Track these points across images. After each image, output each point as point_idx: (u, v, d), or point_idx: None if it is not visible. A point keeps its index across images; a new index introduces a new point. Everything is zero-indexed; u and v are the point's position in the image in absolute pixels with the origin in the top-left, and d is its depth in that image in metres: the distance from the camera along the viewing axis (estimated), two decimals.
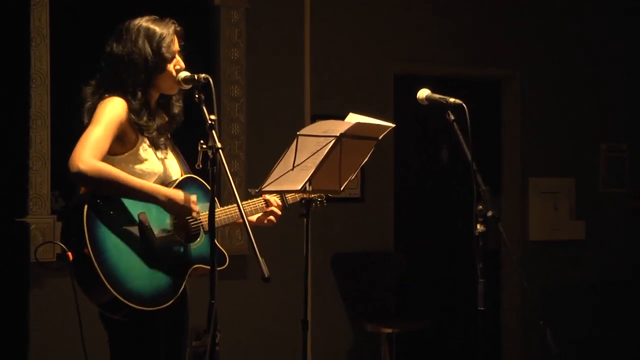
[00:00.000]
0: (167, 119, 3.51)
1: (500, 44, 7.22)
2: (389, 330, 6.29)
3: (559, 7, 7.45)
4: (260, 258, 3.04)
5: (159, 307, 3.28)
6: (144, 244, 3.29)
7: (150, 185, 3.35)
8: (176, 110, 3.55)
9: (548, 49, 7.39)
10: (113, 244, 3.22)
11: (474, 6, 7.11)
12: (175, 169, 3.52)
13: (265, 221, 3.78)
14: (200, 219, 3.47)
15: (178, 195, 3.37)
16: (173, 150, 3.57)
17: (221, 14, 6.10)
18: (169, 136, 3.56)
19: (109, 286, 3.15)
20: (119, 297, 3.17)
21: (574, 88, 7.49)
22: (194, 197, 3.41)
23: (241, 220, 3.18)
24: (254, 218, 3.77)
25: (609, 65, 7.61)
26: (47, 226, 5.43)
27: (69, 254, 3.18)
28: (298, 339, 3.78)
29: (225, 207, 3.60)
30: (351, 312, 6.56)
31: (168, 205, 3.35)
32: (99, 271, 3.14)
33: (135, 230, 3.29)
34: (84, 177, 3.18)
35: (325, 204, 3.95)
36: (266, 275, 3.03)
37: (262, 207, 3.77)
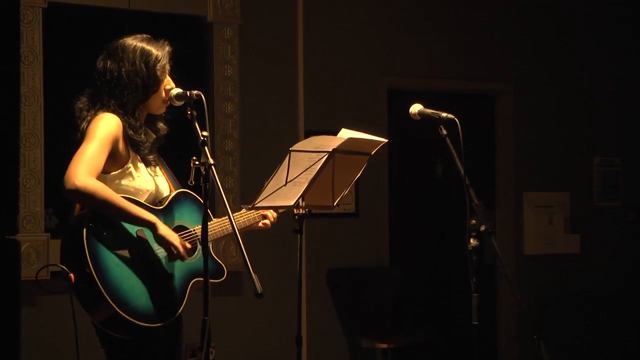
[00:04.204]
0: (154, 136, 3.52)
1: (494, 59, 7.24)
2: (385, 346, 6.28)
3: (552, 22, 7.48)
4: (253, 274, 3.04)
5: (163, 323, 3.29)
6: (144, 261, 3.30)
7: (142, 210, 3.33)
8: (160, 130, 3.56)
9: (541, 63, 7.41)
10: (114, 263, 3.22)
11: (468, 21, 7.13)
12: (164, 185, 3.53)
13: (260, 224, 3.81)
14: (196, 232, 3.47)
15: (166, 229, 3.33)
16: (162, 167, 3.58)
17: (214, 31, 6.10)
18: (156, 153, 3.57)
19: (114, 305, 3.16)
20: (124, 315, 3.18)
21: (567, 102, 7.51)
22: (183, 242, 3.36)
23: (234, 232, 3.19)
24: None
25: (602, 79, 7.63)
26: (41, 244, 5.43)
27: (71, 275, 3.17)
28: (292, 355, 3.76)
29: (219, 219, 3.61)
30: (346, 327, 6.55)
31: (156, 231, 3.31)
32: (103, 291, 3.15)
33: (134, 248, 3.30)
34: (79, 194, 3.19)
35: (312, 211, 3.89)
36: (259, 292, 3.03)
37: (256, 217, 3.78)
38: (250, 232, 4.10)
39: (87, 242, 3.17)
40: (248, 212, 3.76)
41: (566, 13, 7.54)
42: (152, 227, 3.31)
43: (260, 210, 3.77)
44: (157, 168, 3.53)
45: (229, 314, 5.94)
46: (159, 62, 3.45)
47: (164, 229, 3.33)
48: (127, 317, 3.18)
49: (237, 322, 6.07)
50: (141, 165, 3.45)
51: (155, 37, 3.55)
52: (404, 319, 6.89)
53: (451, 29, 7.06)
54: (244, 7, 6.18)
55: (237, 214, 3.71)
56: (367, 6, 6.75)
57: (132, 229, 3.32)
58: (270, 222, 3.85)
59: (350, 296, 6.55)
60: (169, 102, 3.48)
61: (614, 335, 7.22)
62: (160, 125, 3.56)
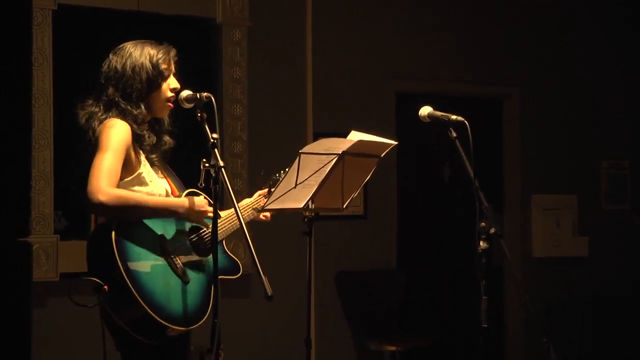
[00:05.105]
0: (154, 138, 3.51)
1: (502, 62, 7.24)
2: (393, 348, 6.28)
3: (560, 26, 7.48)
4: (263, 276, 3.04)
5: (197, 325, 3.32)
6: (172, 265, 3.31)
7: (167, 200, 3.39)
8: (166, 144, 3.56)
9: (549, 66, 7.41)
10: (145, 271, 3.23)
11: (476, 24, 7.13)
12: (167, 187, 3.53)
13: (262, 216, 3.82)
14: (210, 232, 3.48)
15: (192, 201, 3.41)
16: (162, 168, 3.58)
17: (223, 33, 6.11)
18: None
19: (152, 313, 3.16)
20: (162, 321, 3.18)
21: (574, 105, 7.51)
22: (202, 199, 3.45)
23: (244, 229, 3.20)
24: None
25: (610, 82, 7.63)
26: (50, 245, 5.42)
27: (106, 287, 3.16)
28: (301, 358, 3.77)
29: (227, 214, 3.62)
30: (354, 330, 6.55)
31: (187, 214, 3.39)
32: (140, 300, 3.15)
33: (160, 251, 3.30)
34: (106, 208, 3.20)
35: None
36: (269, 294, 3.04)
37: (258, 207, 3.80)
38: (260, 235, 4.11)
39: (117, 250, 3.17)
40: (251, 205, 3.78)
41: (573, 16, 7.54)
42: (183, 214, 3.37)
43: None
44: (159, 171, 3.54)
45: (237, 317, 5.94)
46: (162, 60, 3.46)
47: (192, 210, 3.39)
48: (165, 322, 3.18)
49: (246, 324, 6.07)
50: (152, 170, 3.46)
51: (164, 38, 3.57)
52: (411, 322, 6.89)
53: (459, 32, 7.06)
54: (252, 9, 6.19)
55: (241, 204, 3.74)
56: (375, 9, 6.75)
57: (154, 232, 3.33)
58: (271, 214, 3.85)
59: (358, 299, 6.55)
60: (172, 105, 3.49)
61: (621, 338, 7.20)
62: (166, 138, 3.56)
